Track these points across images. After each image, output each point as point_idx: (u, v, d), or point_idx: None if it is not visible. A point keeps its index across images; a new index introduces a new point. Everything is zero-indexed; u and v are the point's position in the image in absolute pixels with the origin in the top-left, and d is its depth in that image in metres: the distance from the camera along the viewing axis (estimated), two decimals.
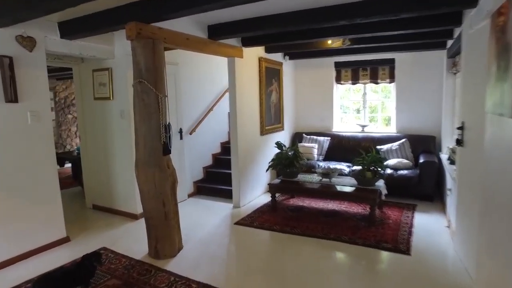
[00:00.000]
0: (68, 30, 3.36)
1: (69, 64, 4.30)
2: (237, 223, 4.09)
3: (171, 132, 3.13)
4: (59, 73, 6.69)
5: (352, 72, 5.84)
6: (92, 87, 4.36)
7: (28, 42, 3.17)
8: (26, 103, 3.21)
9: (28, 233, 3.29)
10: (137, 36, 2.80)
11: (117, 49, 4.02)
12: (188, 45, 3.53)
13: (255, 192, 5.07)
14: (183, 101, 5.05)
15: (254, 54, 4.86)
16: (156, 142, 3.00)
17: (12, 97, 3.10)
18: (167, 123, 3.08)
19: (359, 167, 4.29)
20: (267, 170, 4.79)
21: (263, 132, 5.22)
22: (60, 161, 7.22)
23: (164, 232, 3.16)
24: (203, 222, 4.19)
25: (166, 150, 3.10)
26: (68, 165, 7.26)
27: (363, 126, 5.80)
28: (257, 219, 4.18)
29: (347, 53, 5.36)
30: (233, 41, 4.34)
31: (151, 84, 2.87)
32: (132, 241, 3.60)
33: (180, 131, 4.93)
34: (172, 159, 3.25)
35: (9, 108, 3.10)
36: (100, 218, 4.40)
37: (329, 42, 4.56)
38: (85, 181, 4.82)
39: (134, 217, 4.25)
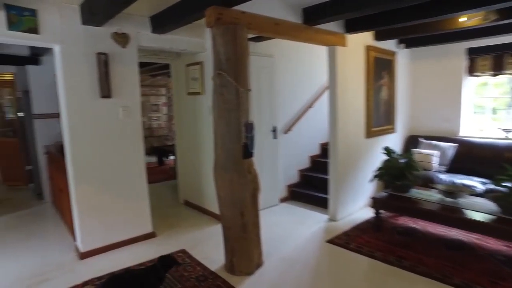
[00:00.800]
0: (158, 23, 3.28)
1: (165, 60, 4.34)
2: (330, 241, 3.46)
3: (253, 132, 2.71)
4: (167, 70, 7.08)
5: (493, 60, 4.47)
6: (186, 82, 4.31)
7: (122, 38, 3.17)
8: (118, 98, 3.24)
9: (117, 225, 3.34)
10: (216, 22, 2.45)
11: (208, 42, 3.83)
12: (278, 32, 3.05)
13: (355, 204, 4.32)
14: (278, 97, 4.62)
15: (360, 41, 4.09)
16: (235, 143, 2.63)
17: (107, 92, 3.16)
18: (249, 122, 2.68)
19: (502, 188, 3.12)
20: (371, 180, 3.99)
21: (369, 134, 4.41)
22: (166, 153, 7.69)
23: (241, 245, 2.78)
24: (290, 234, 3.69)
25: (247, 153, 2.70)
26: (173, 157, 7.70)
27: (508, 131, 4.40)
28: (355, 239, 3.47)
29: (486, 34, 4.05)
30: (334, 27, 3.68)
31: (231, 76, 2.50)
32: (212, 246, 3.36)
33: (274, 130, 4.52)
34: (264, 160, 2.84)
35: (104, 103, 3.16)
36: (189, 216, 4.34)
37: (463, 19, 3.48)
38: (179, 176, 4.87)
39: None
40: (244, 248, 2.79)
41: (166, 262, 2.48)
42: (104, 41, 3.10)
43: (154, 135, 9.16)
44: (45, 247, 3.49)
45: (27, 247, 3.52)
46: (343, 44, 3.80)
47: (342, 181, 4.05)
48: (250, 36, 2.96)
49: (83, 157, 3.11)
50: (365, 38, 4.17)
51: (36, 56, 4.75)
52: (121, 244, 3.36)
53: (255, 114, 3.92)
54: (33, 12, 2.70)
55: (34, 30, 2.73)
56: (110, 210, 3.30)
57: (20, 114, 5.24)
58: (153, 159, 7.97)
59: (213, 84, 2.62)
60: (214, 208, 4.10)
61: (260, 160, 3.88)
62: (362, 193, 4.41)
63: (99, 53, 3.07)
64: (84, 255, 3.15)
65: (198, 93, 4.11)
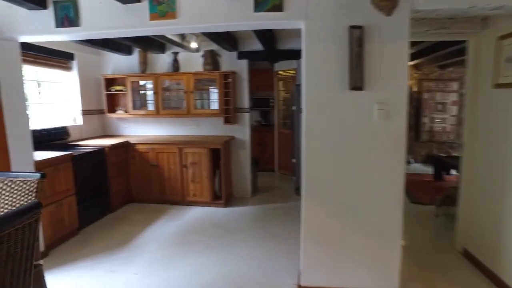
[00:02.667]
0: None
1: (460, 35, 2.84)
2: None
3: None
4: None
5: None
6: (494, 67, 2.65)
7: (387, 1, 2.13)
8: (373, 91, 2.27)
9: (347, 266, 2.45)
10: None
11: None
12: None
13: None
14: None
15: None
16: None
17: (358, 82, 2.26)
18: None
19: None
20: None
21: None
22: (447, 166, 5.90)
23: None
24: None
25: None
26: (456, 173, 5.79)
27: None
28: None
29: None
30: None
31: None
32: None
33: None
34: None
35: (352, 97, 2.29)
36: (465, 279, 2.75)
37: None
38: (461, 206, 3.26)
39: None
40: None
41: None
42: (360, 9, 2.19)
43: (435, 140, 7.41)
44: (272, 257, 3.17)
45: (258, 246, 3.37)
46: None
47: None
48: None
49: (314, 167, 2.41)
50: None
51: None
52: None
53: None
54: None
55: (278, 7, 2.24)
56: (341, 242, 2.44)
57: (294, 108, 5.38)
58: (428, 170, 6.38)
59: None
60: None
61: None
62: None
63: (352, 27, 2.20)
64: None
65: None
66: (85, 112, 4.88)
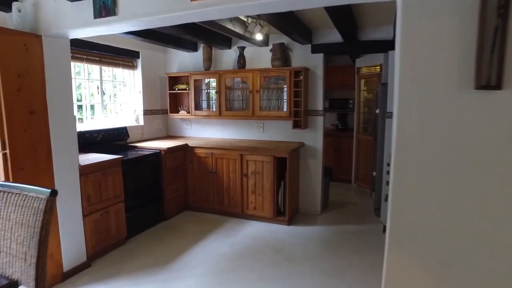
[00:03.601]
0: None
1: None
2: None
3: None
4: None
5: None
6: None
7: None
8: None
9: None
10: None
11: None
12: None
13: None
14: None
15: None
16: None
17: (495, 77, 1.40)
18: None
19: None
20: None
21: None
22: None
23: None
24: None
25: None
26: None
27: None
28: None
29: None
30: None
31: None
32: None
33: None
34: None
35: (480, 99, 1.44)
36: None
37: None
38: None
39: None
40: None
41: None
42: None
43: None
44: None
45: (324, 284, 2.64)
46: None
47: None
48: None
49: (408, 200, 1.60)
50: None
51: None
52: None
53: None
54: None
55: None
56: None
57: (377, 111, 4.45)
58: None
59: None
60: None
61: None
62: None
63: None
64: None
65: None
66: (148, 112, 4.71)
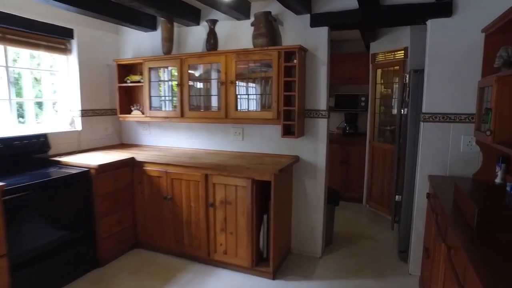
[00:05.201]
0: None
1: None
2: None
3: None
4: None
5: None
6: None
7: None
8: None
9: None
10: None
11: None
12: None
13: None
14: None
15: None
16: None
17: None
18: None
19: None
20: None
21: None
22: None
23: None
24: None
25: None
26: None
27: None
28: None
29: None
30: None
31: None
32: None
33: None
34: None
35: None
36: None
37: None
38: None
39: None
40: None
41: None
42: None
43: None
44: None
45: None
46: None
47: None
48: None
49: None
50: None
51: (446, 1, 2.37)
52: None
53: None
54: None
55: None
56: None
57: (404, 111, 3.16)
58: None
59: None
60: None
61: None
62: None
63: None
64: None
65: None
66: (89, 113, 3.46)
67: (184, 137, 3.57)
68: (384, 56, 4.19)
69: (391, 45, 4.04)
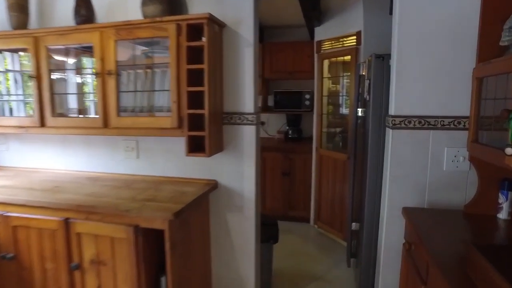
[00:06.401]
0: None
1: None
2: None
3: None
4: None
5: None
6: None
7: None
8: None
9: None
10: None
11: None
12: None
13: None
14: None
15: None
16: None
17: None
18: None
19: None
20: None
21: None
22: None
23: None
24: None
25: None
26: None
27: None
28: None
29: None
30: None
31: None
32: None
33: None
34: None
35: None
36: None
37: None
38: None
39: None
40: None
41: None
42: None
43: None
44: None
45: None
46: None
47: None
48: None
49: None
50: None
51: None
52: None
53: None
54: None
55: None
56: None
57: (360, 111, 2.37)
58: None
59: None
60: None
61: None
62: None
63: None
64: None
65: None
66: None
67: (57, 154, 2.46)
68: (331, 44, 3.42)
69: (339, 30, 3.28)
